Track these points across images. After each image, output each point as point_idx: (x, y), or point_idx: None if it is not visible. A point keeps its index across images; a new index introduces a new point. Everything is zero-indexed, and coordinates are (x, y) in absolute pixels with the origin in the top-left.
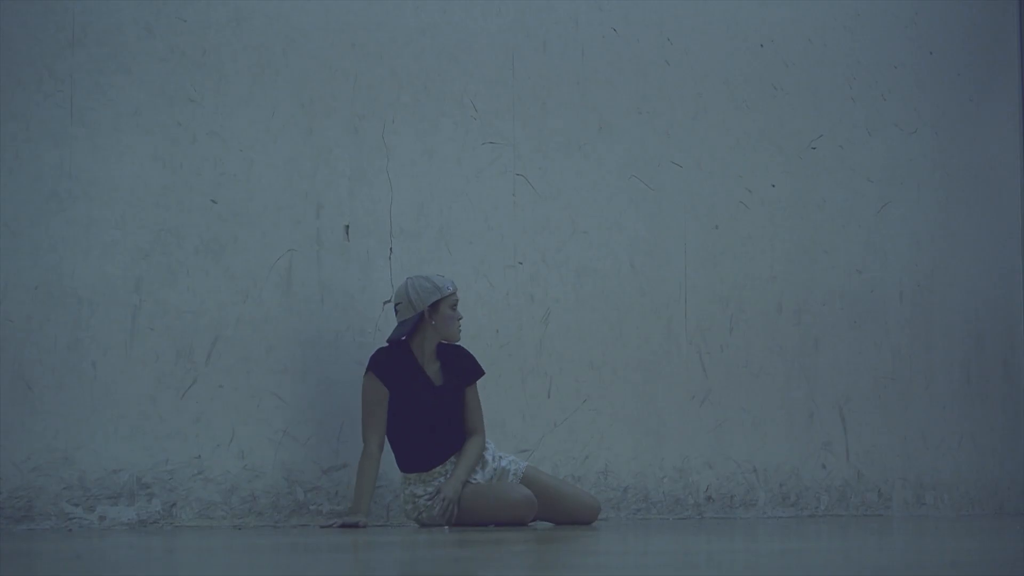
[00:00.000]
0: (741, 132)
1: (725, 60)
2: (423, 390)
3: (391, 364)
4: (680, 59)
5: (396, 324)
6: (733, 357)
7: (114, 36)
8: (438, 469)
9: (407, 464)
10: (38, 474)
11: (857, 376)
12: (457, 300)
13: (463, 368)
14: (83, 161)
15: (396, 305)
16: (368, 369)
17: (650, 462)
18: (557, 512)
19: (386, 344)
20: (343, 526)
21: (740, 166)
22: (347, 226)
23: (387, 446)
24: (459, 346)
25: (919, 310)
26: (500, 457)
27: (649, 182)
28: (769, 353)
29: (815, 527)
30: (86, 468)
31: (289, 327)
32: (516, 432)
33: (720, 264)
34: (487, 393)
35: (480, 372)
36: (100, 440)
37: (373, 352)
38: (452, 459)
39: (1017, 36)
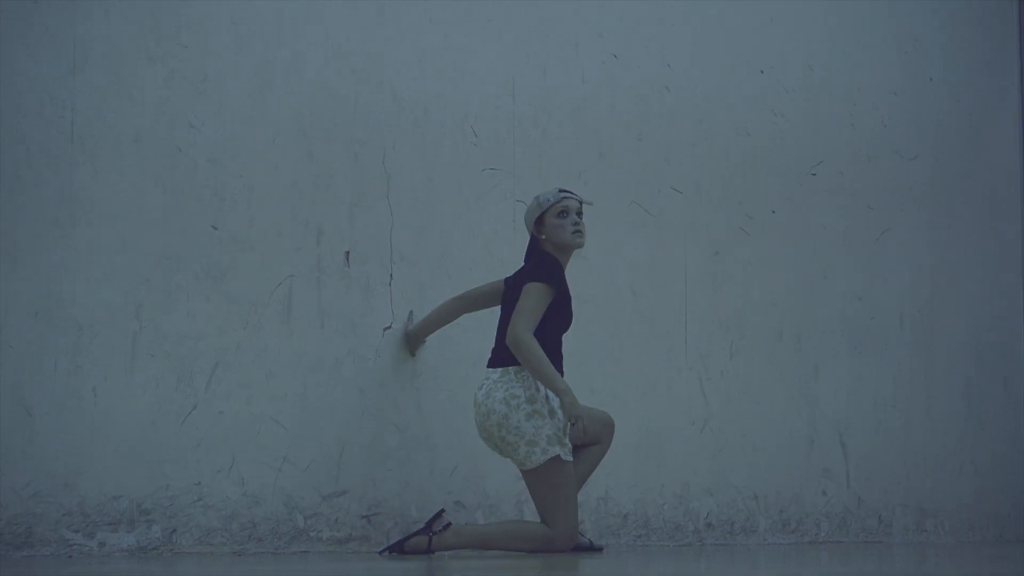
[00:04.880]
0: (741, 158)
1: (725, 86)
2: (569, 302)
3: (563, 275)
4: (680, 85)
5: None
6: (733, 383)
7: (115, 62)
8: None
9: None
10: (38, 500)
11: (857, 402)
12: (566, 207)
13: None
14: (84, 186)
15: None
16: (544, 280)
17: (650, 488)
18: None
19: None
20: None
21: (740, 192)
22: (347, 252)
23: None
24: None
25: (920, 336)
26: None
27: (649, 208)
28: (769, 379)
29: (815, 554)
30: (86, 494)
31: (289, 353)
32: None
33: (720, 290)
34: None
35: None
36: (100, 466)
37: (551, 262)
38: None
39: (1017, 62)
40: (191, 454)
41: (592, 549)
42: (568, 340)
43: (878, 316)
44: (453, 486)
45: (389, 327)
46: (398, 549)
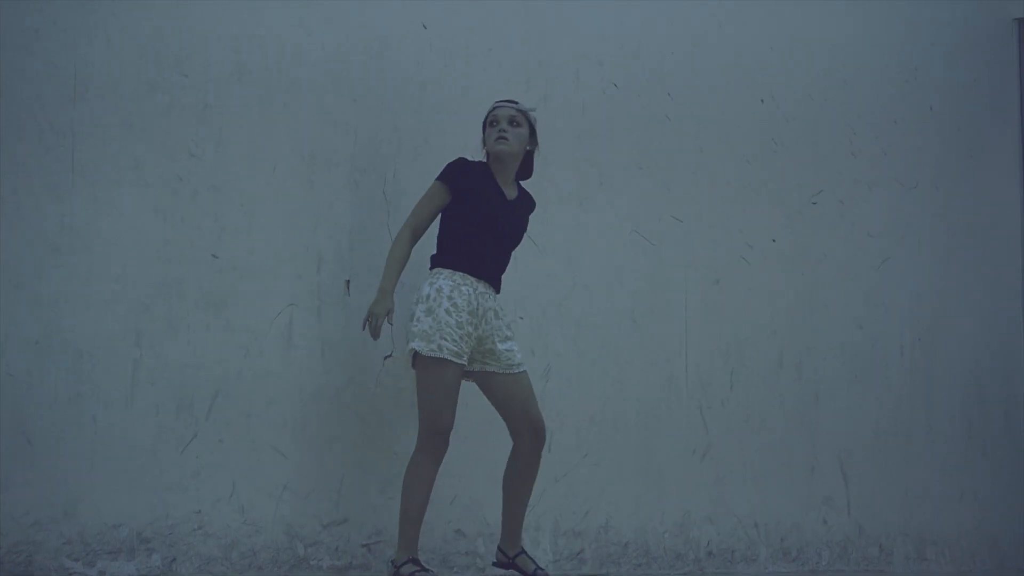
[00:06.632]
0: (741, 186)
1: (725, 115)
2: (494, 197)
3: (466, 173)
4: (680, 114)
5: None
6: (734, 411)
7: (115, 90)
8: (481, 280)
9: (455, 261)
10: (38, 529)
11: (858, 430)
12: (495, 117)
13: (528, 202)
14: (84, 215)
15: None
16: (437, 178)
17: (651, 517)
18: (506, 415)
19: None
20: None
21: (740, 220)
22: (348, 281)
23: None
24: (529, 193)
25: (920, 364)
26: (510, 332)
27: (650, 236)
28: (770, 407)
29: None
30: (86, 523)
31: (290, 381)
32: None
33: (721, 318)
34: (488, 446)
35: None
36: (100, 494)
37: (453, 162)
38: (489, 284)
39: (1017, 92)
40: (191, 482)
41: None
42: (569, 366)
43: (878, 344)
44: (453, 515)
45: (390, 356)
46: None
